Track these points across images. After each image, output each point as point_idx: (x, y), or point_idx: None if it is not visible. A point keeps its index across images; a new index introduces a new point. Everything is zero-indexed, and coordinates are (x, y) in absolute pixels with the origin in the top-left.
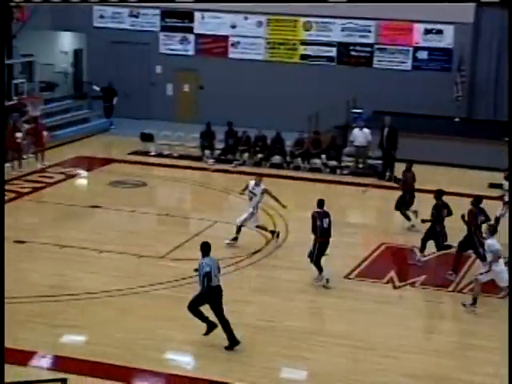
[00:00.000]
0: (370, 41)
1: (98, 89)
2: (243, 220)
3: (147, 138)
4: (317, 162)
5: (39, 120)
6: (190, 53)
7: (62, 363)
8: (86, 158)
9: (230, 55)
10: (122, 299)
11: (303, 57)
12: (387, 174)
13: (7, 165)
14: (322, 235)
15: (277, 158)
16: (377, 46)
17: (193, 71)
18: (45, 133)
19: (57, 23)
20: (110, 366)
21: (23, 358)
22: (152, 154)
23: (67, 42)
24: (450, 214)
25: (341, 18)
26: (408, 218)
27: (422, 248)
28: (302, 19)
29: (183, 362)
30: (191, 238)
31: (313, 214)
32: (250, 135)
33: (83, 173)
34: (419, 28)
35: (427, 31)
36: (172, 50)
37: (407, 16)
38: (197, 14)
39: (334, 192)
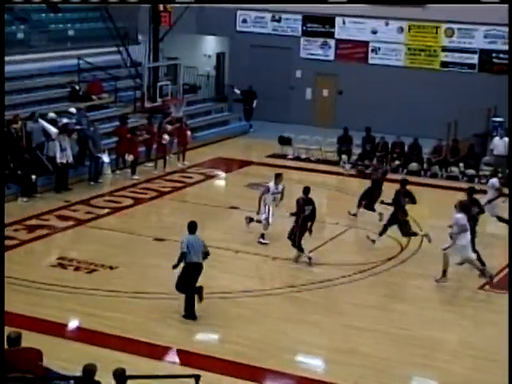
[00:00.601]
0: None
1: (238, 92)
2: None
3: (285, 141)
4: (454, 170)
5: (184, 121)
6: (330, 58)
7: (195, 360)
8: (225, 160)
9: (370, 61)
10: (256, 300)
11: (443, 64)
12: None
13: (149, 164)
14: (304, 220)
15: (414, 165)
16: None
17: (332, 76)
18: (188, 133)
19: (201, 27)
20: (243, 365)
21: (159, 352)
22: (290, 157)
23: (210, 45)
24: (413, 202)
25: (484, 24)
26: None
27: (382, 232)
28: (444, 25)
29: (315, 365)
30: (325, 243)
31: (298, 200)
32: (387, 141)
33: (222, 174)
34: None
35: None
36: (312, 54)
37: None
38: (338, 19)
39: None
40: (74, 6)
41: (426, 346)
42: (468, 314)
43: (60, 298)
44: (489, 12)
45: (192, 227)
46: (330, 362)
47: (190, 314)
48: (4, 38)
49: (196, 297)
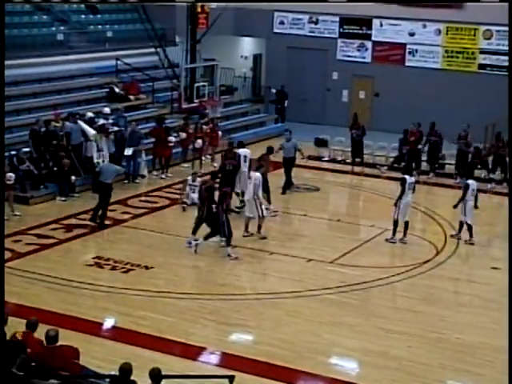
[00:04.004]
0: None
1: (274, 91)
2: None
3: (321, 143)
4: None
5: (215, 122)
6: (367, 60)
7: (229, 360)
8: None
9: (407, 63)
10: (290, 301)
11: (481, 66)
12: None
13: (185, 165)
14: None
15: (450, 168)
16: None
17: (369, 78)
18: (219, 134)
19: (238, 29)
20: (276, 366)
21: (193, 352)
22: (325, 159)
23: (247, 47)
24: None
25: None
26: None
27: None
28: (482, 27)
29: (348, 368)
30: (361, 245)
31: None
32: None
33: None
34: None
35: None
36: (349, 56)
37: None
38: (375, 21)
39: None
40: (113, 7)
41: (460, 350)
42: (503, 319)
43: (96, 296)
44: None
45: None
46: (363, 364)
47: None
48: (4, 37)
49: None
